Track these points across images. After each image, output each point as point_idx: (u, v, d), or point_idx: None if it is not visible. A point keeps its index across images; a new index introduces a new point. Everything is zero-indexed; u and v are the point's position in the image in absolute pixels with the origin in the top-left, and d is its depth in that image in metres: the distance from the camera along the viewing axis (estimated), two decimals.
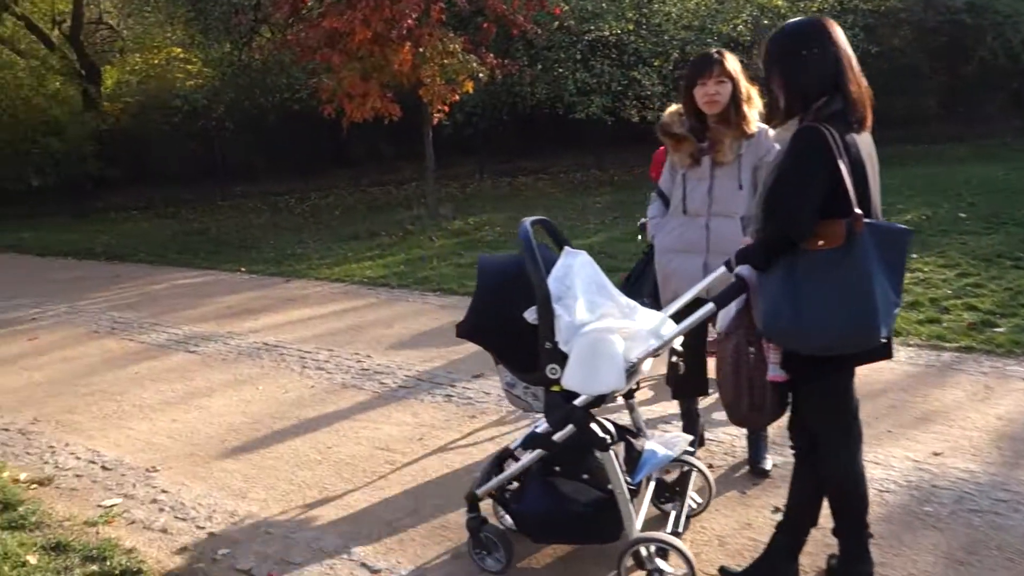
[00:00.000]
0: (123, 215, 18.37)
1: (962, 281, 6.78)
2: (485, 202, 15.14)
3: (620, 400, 3.19)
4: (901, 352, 5.19)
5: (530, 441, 3.15)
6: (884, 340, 2.59)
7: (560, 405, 2.95)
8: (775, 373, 2.71)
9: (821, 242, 2.51)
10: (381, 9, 10.88)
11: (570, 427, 2.95)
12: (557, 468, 3.15)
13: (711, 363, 3.70)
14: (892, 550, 3.13)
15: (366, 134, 15.67)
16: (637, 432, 3.34)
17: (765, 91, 3.57)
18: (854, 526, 2.80)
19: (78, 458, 4.63)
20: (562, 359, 2.88)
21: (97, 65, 20.74)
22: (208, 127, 18.49)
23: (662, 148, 5.23)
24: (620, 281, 4.51)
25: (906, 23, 17.14)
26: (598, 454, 2.94)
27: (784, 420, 2.90)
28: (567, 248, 3.20)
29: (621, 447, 3.22)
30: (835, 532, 2.85)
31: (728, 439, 4.16)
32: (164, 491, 4.13)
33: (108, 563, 3.43)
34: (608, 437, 2.93)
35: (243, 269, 10.40)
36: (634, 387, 3.20)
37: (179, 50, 20.58)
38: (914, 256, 7.45)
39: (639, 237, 5.40)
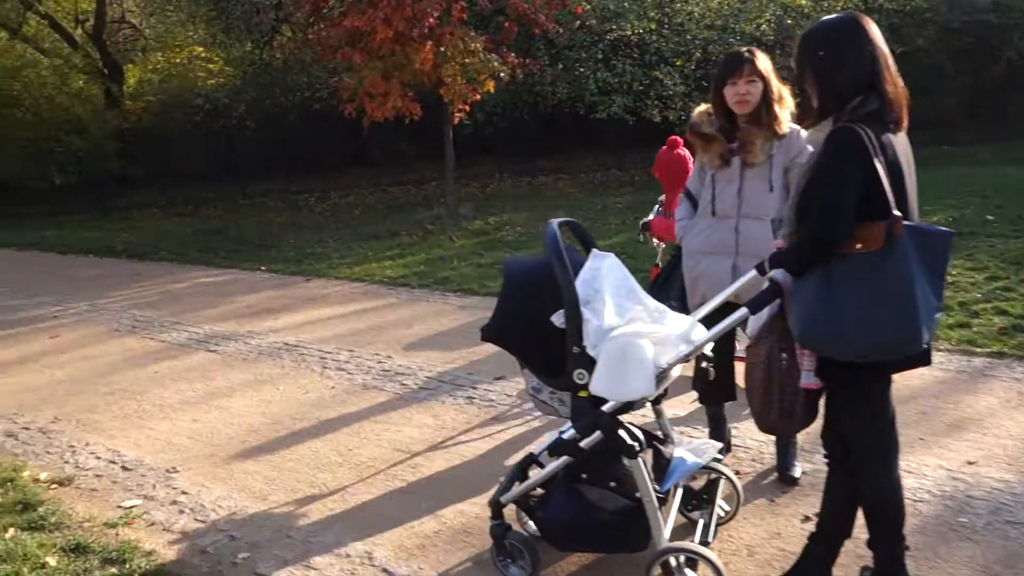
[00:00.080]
0: (144, 213, 18.45)
1: (992, 285, 6.66)
2: (505, 202, 15.08)
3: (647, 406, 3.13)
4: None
5: (556, 448, 3.08)
6: (924, 346, 2.51)
7: (587, 411, 2.88)
8: (808, 380, 2.64)
9: (859, 245, 2.44)
10: (403, 8, 10.84)
11: (597, 433, 2.89)
12: (584, 475, 3.08)
13: (738, 367, 3.65)
14: (927, 563, 3.04)
15: (386, 133, 15.64)
16: (665, 438, 3.27)
17: (797, 91, 3.50)
18: (890, 538, 2.71)
19: (98, 458, 4.61)
20: (590, 364, 2.82)
21: (119, 64, 20.85)
22: (229, 126, 18.54)
23: (664, 148, 5.19)
24: (646, 283, 4.45)
25: (931, 23, 16.94)
26: (626, 461, 2.87)
27: (813, 426, 2.82)
28: (595, 250, 3.14)
29: (649, 454, 3.15)
30: (870, 544, 2.77)
31: (756, 445, 4.08)
32: (184, 492, 4.10)
33: (128, 566, 3.42)
34: (637, 444, 2.86)
35: (263, 268, 10.40)
36: (662, 393, 3.13)
37: (201, 49, 20.65)
38: None
39: (640, 237, 5.36)
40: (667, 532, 2.90)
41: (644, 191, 14.53)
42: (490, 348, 3.65)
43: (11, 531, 3.74)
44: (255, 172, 20.24)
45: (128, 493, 4.14)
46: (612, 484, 3.05)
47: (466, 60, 11.65)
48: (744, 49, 3.48)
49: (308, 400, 5.32)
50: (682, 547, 2.87)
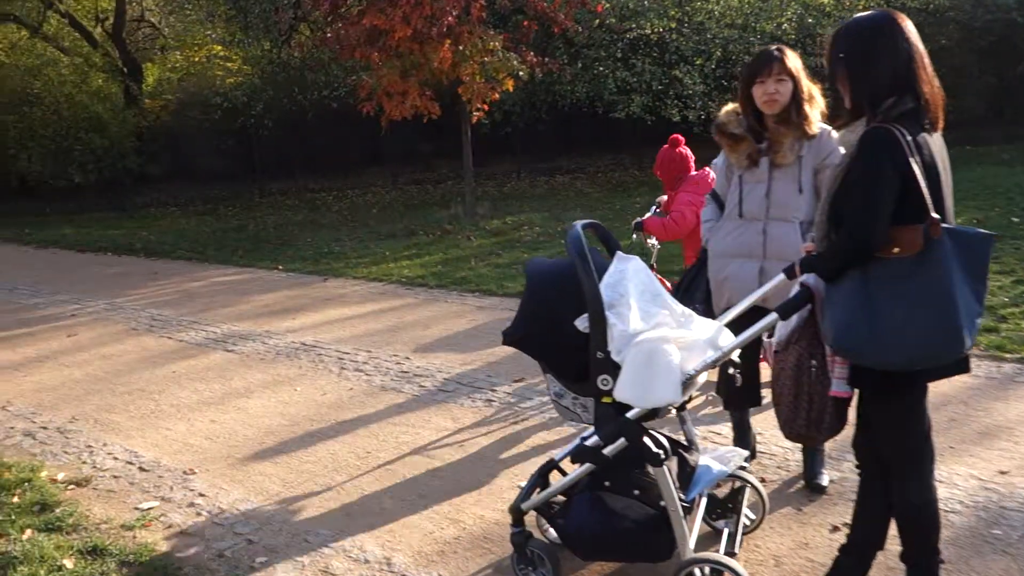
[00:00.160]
0: (162, 211, 18.51)
1: (1019, 288, 6.54)
2: (522, 201, 15.03)
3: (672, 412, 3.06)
4: None
5: (579, 454, 3.02)
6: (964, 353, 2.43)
7: (611, 418, 2.82)
8: (839, 389, 2.57)
9: (896, 250, 2.36)
10: (422, 6, 10.80)
11: (621, 441, 2.82)
12: (607, 483, 3.01)
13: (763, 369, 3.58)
14: None
15: (404, 132, 15.62)
16: (689, 445, 3.21)
17: (828, 90, 3.42)
18: (924, 552, 2.64)
19: (116, 458, 4.59)
20: (614, 369, 2.75)
21: (139, 62, 20.96)
22: (247, 125, 18.57)
23: (665, 146, 5.10)
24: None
25: (954, 22, 16.75)
26: (651, 469, 2.81)
27: (841, 432, 2.75)
28: (619, 253, 3.07)
29: (674, 462, 3.09)
30: (903, 557, 2.70)
31: (781, 452, 4.00)
32: (202, 494, 4.07)
33: (144, 569, 3.38)
34: (662, 452, 2.80)
35: (280, 267, 10.38)
36: (686, 399, 3.06)
37: (219, 48, 20.70)
38: None
39: (632, 237, 5.23)
40: (692, 542, 2.83)
41: (662, 191, 14.44)
42: (509, 350, 3.60)
43: (28, 532, 3.71)
44: (273, 171, 20.30)
45: (145, 495, 4.11)
46: (636, 492, 2.98)
47: (485, 59, 11.59)
48: (774, 47, 3.39)
49: (326, 401, 5.28)
50: (708, 558, 2.80)
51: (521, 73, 12.10)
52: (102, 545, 3.56)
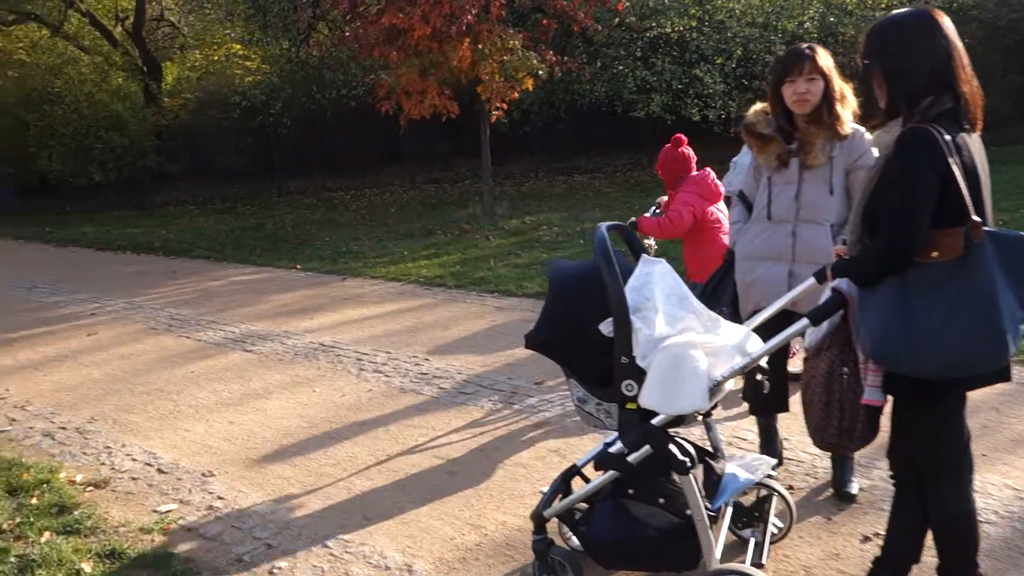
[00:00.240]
0: (181, 210, 18.58)
1: None
2: (541, 201, 14.96)
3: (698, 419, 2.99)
4: None
5: (603, 461, 2.95)
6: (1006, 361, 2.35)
7: (636, 424, 2.75)
8: (872, 397, 2.49)
9: (935, 254, 2.29)
10: (441, 5, 10.75)
11: (646, 448, 2.76)
12: (631, 491, 2.95)
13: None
14: None
15: (422, 131, 15.60)
16: (715, 453, 3.14)
17: (859, 89, 3.34)
18: (962, 564, 2.55)
19: (134, 460, 4.57)
20: (639, 375, 2.69)
21: (158, 61, 21.04)
22: (265, 123, 18.61)
23: (668, 145, 5.01)
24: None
25: (977, 21, 16.53)
26: (677, 478, 2.75)
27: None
28: (645, 256, 3.00)
29: (700, 470, 3.02)
30: (940, 570, 2.62)
31: (809, 459, 3.92)
32: (220, 497, 4.03)
33: (163, 573, 3.35)
34: (688, 460, 2.73)
35: (299, 266, 10.37)
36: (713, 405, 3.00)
37: (238, 46, 20.76)
38: None
39: None
40: (718, 552, 2.77)
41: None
42: (529, 351, 3.55)
43: (46, 535, 3.70)
44: (291, 169, 20.34)
45: (164, 497, 4.08)
46: (661, 501, 2.92)
47: (504, 58, 11.54)
48: (804, 46, 3.31)
49: (345, 403, 5.24)
50: (735, 569, 2.73)
51: (540, 72, 12.03)
52: (120, 548, 3.54)
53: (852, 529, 3.32)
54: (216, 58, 20.84)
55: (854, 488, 3.54)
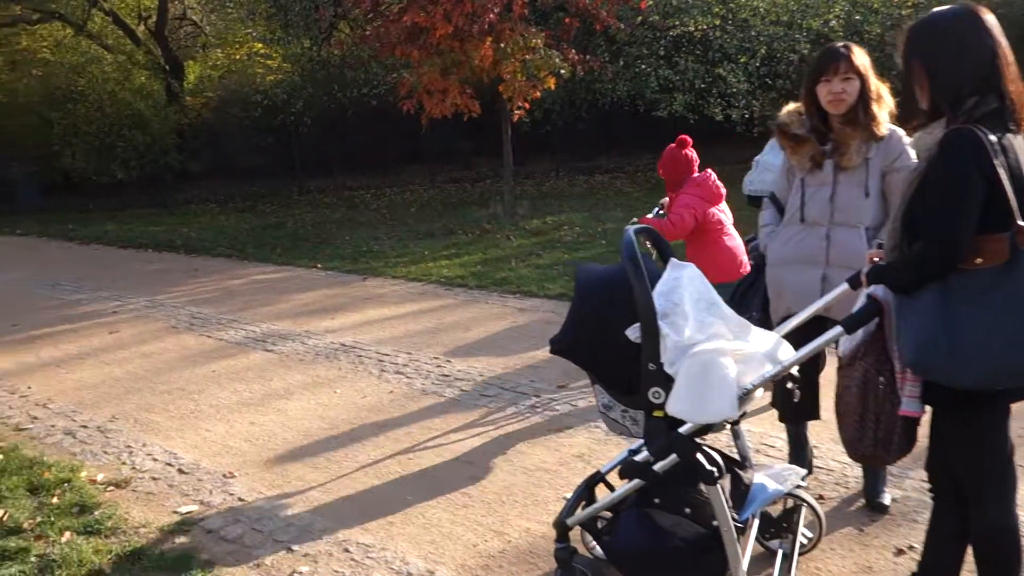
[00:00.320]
0: (202, 208, 18.64)
1: None
2: (562, 201, 14.89)
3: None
4: None
5: (628, 470, 2.89)
6: None
7: (663, 432, 2.69)
8: (911, 407, 2.41)
9: (979, 260, 2.21)
10: (463, 4, 10.71)
11: (673, 457, 2.70)
12: (656, 500, 2.89)
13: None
14: None
15: (443, 130, 15.58)
16: (743, 462, 3.07)
17: (897, 89, 3.26)
18: None
19: (155, 459, 4.56)
20: (667, 382, 2.62)
21: (180, 60, 21.12)
22: (287, 122, 18.64)
23: (672, 145, 4.95)
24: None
25: (1004, 19, 16.27)
26: (704, 488, 2.68)
27: None
28: (673, 260, 2.94)
29: (727, 480, 2.95)
30: None
31: (839, 467, 3.85)
32: (241, 499, 4.01)
33: (184, 575, 3.33)
34: (715, 469, 2.67)
35: (319, 266, 10.36)
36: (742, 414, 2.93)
37: (260, 45, 20.82)
38: None
39: None
40: (745, 564, 2.71)
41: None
42: (552, 354, 3.50)
43: (67, 535, 3.68)
44: (312, 168, 20.38)
45: (185, 498, 4.06)
46: (687, 511, 2.86)
47: (526, 56, 11.48)
48: (840, 44, 3.23)
49: (366, 405, 5.21)
50: None
51: (563, 71, 11.97)
52: (141, 550, 3.52)
53: (885, 542, 3.24)
54: (238, 57, 20.90)
55: (887, 499, 3.46)
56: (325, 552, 3.46)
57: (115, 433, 4.99)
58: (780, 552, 3.00)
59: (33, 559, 3.47)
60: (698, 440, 2.71)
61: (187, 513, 3.89)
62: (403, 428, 4.77)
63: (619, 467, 3.01)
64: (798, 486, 3.07)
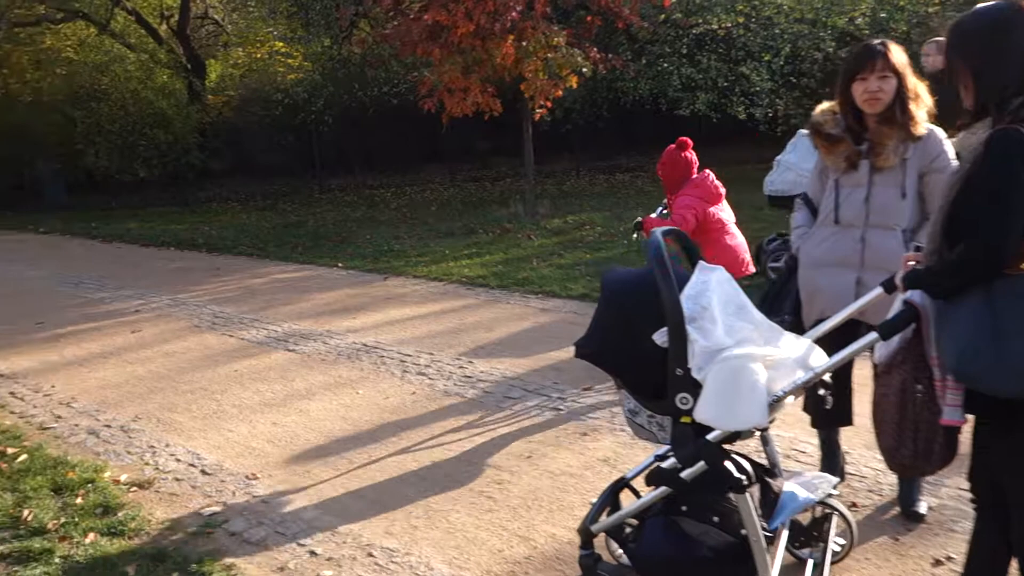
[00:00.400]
0: (224, 206, 18.72)
1: None
2: (582, 200, 14.83)
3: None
4: None
5: (655, 477, 2.84)
6: None
7: (690, 439, 2.63)
8: (953, 417, 2.34)
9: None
10: (485, 2, 10.68)
11: (700, 464, 2.65)
12: (684, 508, 2.84)
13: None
14: None
15: (463, 129, 15.56)
16: (773, 469, 3.01)
17: (935, 88, 3.19)
18: None
19: (178, 460, 4.55)
20: (695, 388, 2.57)
21: (202, 59, 21.25)
22: (307, 121, 18.70)
23: (672, 146, 4.92)
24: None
25: None
26: (732, 496, 2.63)
27: None
28: (701, 263, 2.89)
29: (757, 488, 2.90)
30: None
31: (872, 474, 3.77)
32: (264, 501, 3.99)
33: None
34: (744, 477, 2.61)
35: (340, 265, 10.36)
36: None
37: (281, 44, 20.89)
38: None
39: (634, 236, 5.16)
40: (774, 574, 2.65)
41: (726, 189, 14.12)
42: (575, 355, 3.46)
43: (91, 536, 3.68)
44: (332, 167, 20.45)
45: (208, 499, 4.05)
46: (715, 519, 2.80)
47: (548, 55, 11.42)
48: (876, 41, 3.15)
49: (388, 406, 5.18)
50: None
51: (584, 70, 11.90)
52: (164, 552, 3.51)
53: (922, 552, 3.17)
54: (259, 56, 20.99)
55: (923, 507, 3.39)
56: (349, 556, 3.44)
57: (138, 433, 4.99)
58: (811, 562, 2.94)
59: (57, 560, 3.47)
60: (726, 447, 2.66)
61: (210, 515, 3.88)
62: (425, 430, 4.74)
63: (646, 473, 2.96)
64: (829, 495, 3.01)
